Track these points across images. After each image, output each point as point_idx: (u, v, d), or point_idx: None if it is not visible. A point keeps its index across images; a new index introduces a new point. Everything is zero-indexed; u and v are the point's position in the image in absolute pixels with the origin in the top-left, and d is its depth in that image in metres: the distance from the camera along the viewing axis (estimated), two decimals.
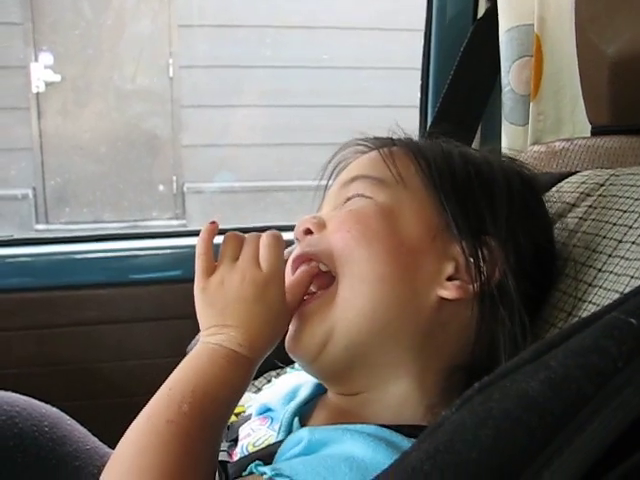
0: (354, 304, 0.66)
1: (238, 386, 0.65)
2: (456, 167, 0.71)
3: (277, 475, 0.58)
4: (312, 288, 0.70)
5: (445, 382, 0.67)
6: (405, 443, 0.58)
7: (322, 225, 0.71)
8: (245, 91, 4.10)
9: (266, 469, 0.60)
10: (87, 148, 4.04)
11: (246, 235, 0.71)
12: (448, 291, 0.67)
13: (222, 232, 0.71)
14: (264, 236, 0.70)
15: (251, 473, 0.63)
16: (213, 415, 0.61)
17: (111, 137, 4.04)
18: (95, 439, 1.03)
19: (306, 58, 4.08)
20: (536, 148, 1.03)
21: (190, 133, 4.13)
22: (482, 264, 0.67)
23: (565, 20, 1.09)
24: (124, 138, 4.05)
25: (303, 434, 0.62)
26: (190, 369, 0.63)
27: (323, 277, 0.69)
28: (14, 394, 1.01)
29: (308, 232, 0.72)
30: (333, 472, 0.56)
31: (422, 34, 1.31)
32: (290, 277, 0.70)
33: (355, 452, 0.58)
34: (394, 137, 0.78)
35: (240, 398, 0.66)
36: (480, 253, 0.67)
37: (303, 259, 0.71)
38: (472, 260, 0.67)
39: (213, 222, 0.71)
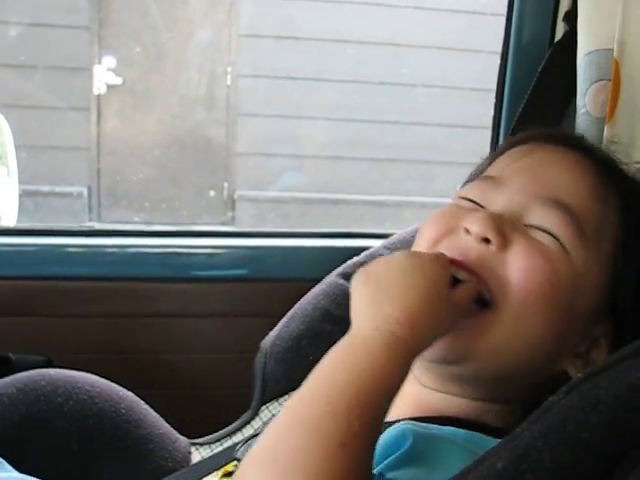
0: (499, 345, 0.65)
1: (398, 386, 0.56)
2: None
3: None
4: None
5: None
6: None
7: (505, 245, 0.65)
8: (302, 103, 4.14)
9: None
10: (142, 151, 4.12)
11: None
12: (576, 371, 0.67)
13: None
14: None
15: None
16: (377, 427, 0.54)
17: (166, 141, 4.11)
18: (167, 425, 1.08)
19: (364, 74, 4.11)
20: None
21: (244, 141, 4.19)
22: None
23: None
24: (179, 143, 4.12)
25: (406, 432, 0.61)
26: (349, 371, 0.54)
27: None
28: (95, 376, 1.06)
29: (486, 240, 0.66)
30: None
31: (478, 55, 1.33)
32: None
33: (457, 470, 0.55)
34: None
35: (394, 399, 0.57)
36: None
37: (463, 266, 0.65)
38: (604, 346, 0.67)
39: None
